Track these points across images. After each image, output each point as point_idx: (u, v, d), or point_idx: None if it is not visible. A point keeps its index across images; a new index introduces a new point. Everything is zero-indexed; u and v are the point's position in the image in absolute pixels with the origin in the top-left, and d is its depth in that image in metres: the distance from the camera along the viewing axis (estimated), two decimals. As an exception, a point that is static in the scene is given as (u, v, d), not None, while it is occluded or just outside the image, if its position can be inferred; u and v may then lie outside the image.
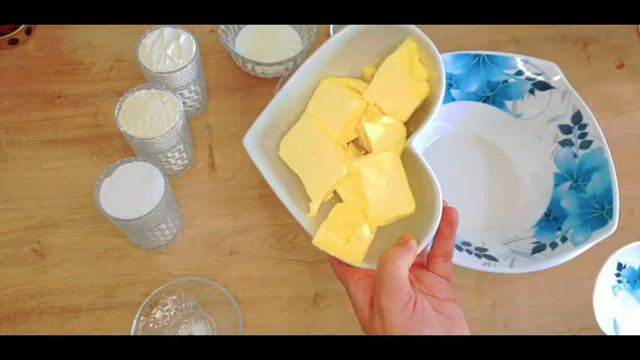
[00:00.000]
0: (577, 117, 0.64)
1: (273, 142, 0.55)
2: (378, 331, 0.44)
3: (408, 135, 0.53)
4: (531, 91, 0.66)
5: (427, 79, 0.52)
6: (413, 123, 0.53)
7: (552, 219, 0.63)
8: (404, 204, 0.51)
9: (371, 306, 0.46)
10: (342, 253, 0.50)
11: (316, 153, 0.52)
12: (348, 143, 0.54)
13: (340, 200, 0.53)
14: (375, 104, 0.53)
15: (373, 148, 0.51)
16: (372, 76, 0.54)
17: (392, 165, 0.51)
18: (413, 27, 0.52)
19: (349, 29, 0.53)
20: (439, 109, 0.50)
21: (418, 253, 0.47)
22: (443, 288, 0.48)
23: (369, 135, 0.51)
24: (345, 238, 0.50)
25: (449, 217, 0.49)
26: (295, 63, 0.71)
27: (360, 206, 0.52)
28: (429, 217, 0.48)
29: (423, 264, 0.50)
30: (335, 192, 0.53)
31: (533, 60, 0.65)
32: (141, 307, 0.59)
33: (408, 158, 0.52)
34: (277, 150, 0.55)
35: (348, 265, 0.50)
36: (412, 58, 0.52)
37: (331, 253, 0.50)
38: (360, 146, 0.54)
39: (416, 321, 0.43)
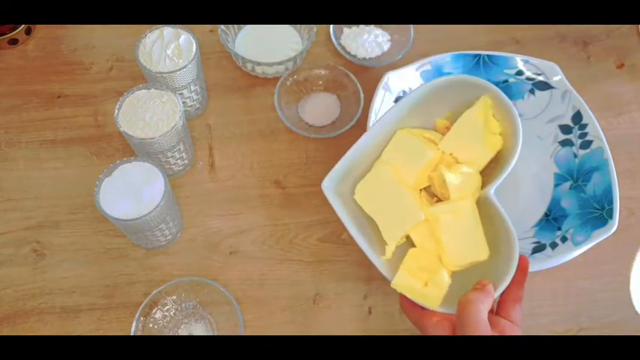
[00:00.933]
0: (577, 117, 0.64)
1: (347, 186, 0.57)
2: None
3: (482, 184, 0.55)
4: (531, 91, 0.66)
5: (500, 132, 0.55)
6: (485, 173, 0.55)
7: (552, 219, 0.63)
8: (478, 250, 0.52)
9: None
10: (419, 296, 0.51)
11: (393, 198, 0.54)
12: (420, 190, 0.56)
13: (411, 245, 0.55)
14: (451, 154, 0.55)
15: (451, 195, 0.53)
16: (446, 128, 0.56)
17: (470, 212, 0.52)
18: (490, 84, 0.54)
19: (431, 84, 0.55)
20: (516, 160, 0.53)
21: (495, 298, 0.49)
22: (515, 334, 0.49)
23: (449, 183, 0.52)
24: (422, 282, 0.52)
25: (523, 265, 0.51)
26: (295, 63, 0.71)
27: (434, 251, 0.53)
28: (505, 265, 0.50)
29: (492, 309, 0.51)
30: (407, 237, 0.55)
31: (533, 60, 0.65)
32: (141, 307, 0.59)
33: (481, 206, 0.53)
34: (351, 193, 0.56)
35: (423, 309, 0.51)
36: (487, 113, 0.54)
37: (409, 296, 0.52)
38: (431, 193, 0.56)
39: None
